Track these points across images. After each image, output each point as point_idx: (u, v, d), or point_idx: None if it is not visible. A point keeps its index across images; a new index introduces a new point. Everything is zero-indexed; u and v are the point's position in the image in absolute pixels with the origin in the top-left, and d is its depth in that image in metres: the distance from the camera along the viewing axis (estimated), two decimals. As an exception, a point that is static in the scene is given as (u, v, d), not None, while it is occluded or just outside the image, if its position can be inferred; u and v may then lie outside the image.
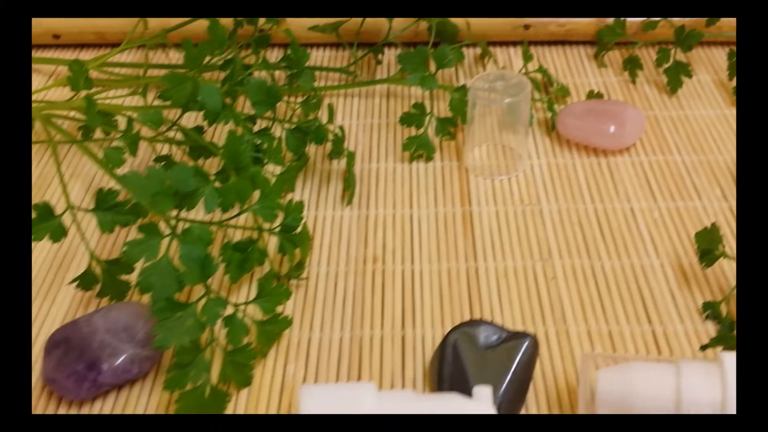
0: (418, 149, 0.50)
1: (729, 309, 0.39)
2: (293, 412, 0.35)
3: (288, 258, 0.41)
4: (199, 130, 0.47)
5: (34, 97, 0.54)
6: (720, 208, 0.46)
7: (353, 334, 0.39)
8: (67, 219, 0.38)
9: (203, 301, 0.35)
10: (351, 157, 0.48)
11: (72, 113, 0.51)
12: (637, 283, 0.41)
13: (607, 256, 0.43)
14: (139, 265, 0.38)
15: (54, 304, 0.41)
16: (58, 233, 0.39)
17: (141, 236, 0.36)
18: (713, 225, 0.39)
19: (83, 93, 0.47)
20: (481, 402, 0.31)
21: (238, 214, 0.40)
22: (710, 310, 0.39)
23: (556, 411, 0.35)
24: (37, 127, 0.53)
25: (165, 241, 0.36)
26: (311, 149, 0.51)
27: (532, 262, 0.43)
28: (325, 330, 0.40)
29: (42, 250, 0.44)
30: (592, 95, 0.54)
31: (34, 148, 0.52)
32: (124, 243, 0.35)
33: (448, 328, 0.39)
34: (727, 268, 0.42)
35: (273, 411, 0.36)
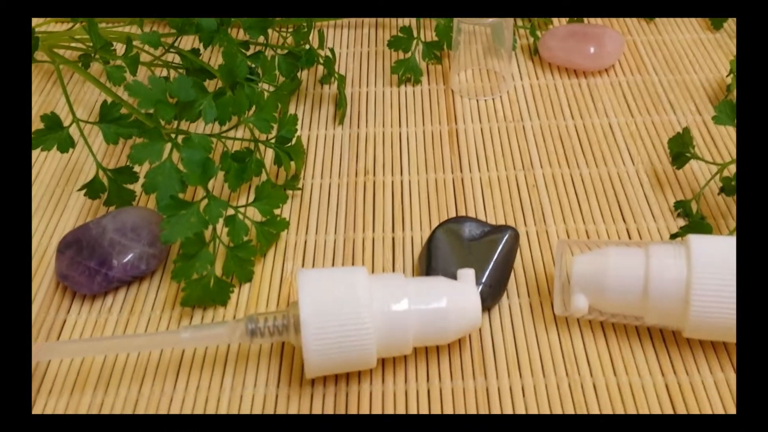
0: (406, 72, 0.52)
1: (698, 206, 0.42)
2: (292, 300, 0.38)
3: (284, 168, 0.44)
4: (195, 53, 0.49)
5: (35, 29, 0.56)
6: (693, 120, 0.48)
7: (347, 236, 0.42)
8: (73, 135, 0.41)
9: (205, 202, 0.38)
10: (341, 79, 0.50)
11: (72, 45, 0.53)
12: (614, 188, 0.44)
13: (585, 165, 0.46)
14: (142, 175, 0.41)
15: (64, 213, 0.44)
16: (66, 144, 0.41)
17: (146, 140, 0.38)
18: (685, 129, 0.42)
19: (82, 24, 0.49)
20: (466, 282, 0.34)
21: (236, 126, 0.42)
22: (681, 208, 0.42)
23: (534, 297, 0.38)
24: (39, 57, 0.54)
25: (167, 151, 0.38)
26: (303, 75, 0.53)
27: (515, 172, 0.45)
28: (320, 234, 0.42)
29: (52, 161, 0.47)
30: (572, 20, 0.56)
31: (38, 77, 0.54)
32: (131, 147, 0.37)
33: (436, 230, 0.42)
34: (696, 169, 0.45)
35: (273, 302, 0.38)
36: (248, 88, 0.44)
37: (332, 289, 0.32)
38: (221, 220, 0.38)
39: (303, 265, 0.41)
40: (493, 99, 0.51)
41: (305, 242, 0.42)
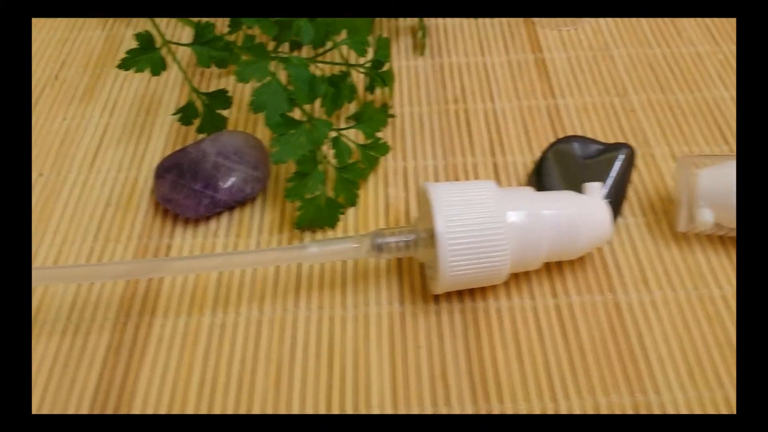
0: (484, 3, 0.51)
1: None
2: (401, 224, 0.37)
3: (381, 92, 0.43)
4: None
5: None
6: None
7: (446, 162, 0.41)
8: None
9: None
10: (421, 9, 0.49)
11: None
12: (712, 113, 0.43)
13: (680, 90, 0.45)
14: (237, 98, 0.39)
15: (150, 141, 0.43)
16: (158, 66, 0.40)
17: (251, 58, 0.37)
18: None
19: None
20: (594, 195, 0.33)
21: (332, 48, 0.41)
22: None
23: (650, 216, 0.37)
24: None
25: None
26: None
27: (609, 98, 0.44)
28: (419, 160, 0.41)
29: (128, 91, 0.45)
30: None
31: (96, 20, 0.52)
32: (237, 64, 0.36)
33: (538, 154, 0.41)
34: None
35: (381, 224, 0.38)
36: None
37: (466, 202, 0.31)
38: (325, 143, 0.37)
39: (406, 191, 0.40)
40: (575, 29, 0.50)
41: (404, 168, 0.41)
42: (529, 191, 0.33)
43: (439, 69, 0.48)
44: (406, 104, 0.45)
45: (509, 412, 0.30)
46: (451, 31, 0.50)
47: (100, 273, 0.32)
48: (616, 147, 0.37)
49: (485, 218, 0.31)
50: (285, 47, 0.45)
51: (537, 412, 0.30)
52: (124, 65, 0.39)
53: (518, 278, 0.35)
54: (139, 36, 0.39)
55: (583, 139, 0.38)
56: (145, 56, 0.39)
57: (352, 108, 0.44)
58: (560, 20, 0.50)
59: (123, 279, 0.35)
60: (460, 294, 0.34)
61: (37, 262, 0.36)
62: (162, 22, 0.51)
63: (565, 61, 0.48)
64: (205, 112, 0.41)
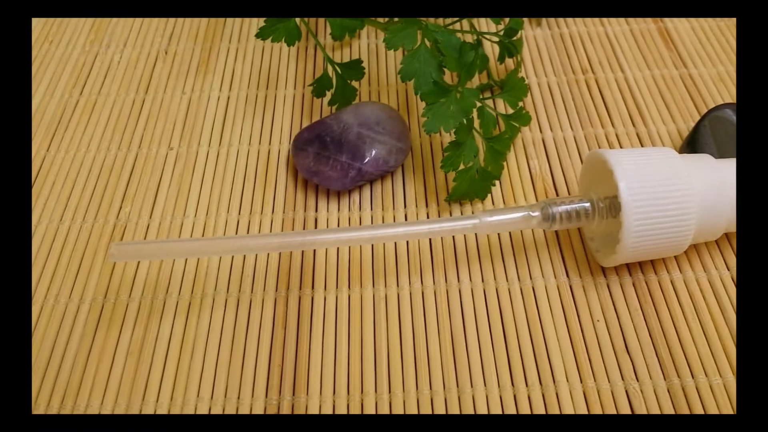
0: (598, -28, 0.50)
1: None
2: (549, 195, 0.36)
3: (515, 60, 0.41)
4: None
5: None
6: None
7: (586, 132, 0.40)
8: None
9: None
10: (535, -22, 0.48)
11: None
12: None
13: (820, 58, 0.43)
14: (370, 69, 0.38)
15: (275, 114, 0.41)
16: (293, 35, 0.38)
17: (400, 24, 0.35)
18: None
19: None
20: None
21: (458, 20, 0.39)
22: None
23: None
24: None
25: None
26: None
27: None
28: (556, 131, 0.40)
29: (245, 65, 0.44)
30: None
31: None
32: (386, 31, 0.35)
33: (682, 125, 0.40)
34: None
35: (530, 198, 0.36)
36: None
37: (649, 169, 0.30)
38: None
39: (549, 162, 0.38)
40: (694, -3, 0.48)
41: (542, 139, 0.40)
42: (709, 158, 0.32)
43: (559, 39, 0.46)
44: (532, 75, 0.44)
45: (702, 384, 0.29)
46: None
47: (255, 245, 0.31)
48: (779, 114, 0.36)
49: (670, 185, 0.30)
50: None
51: (732, 384, 0.29)
52: (262, 34, 0.38)
53: (688, 250, 0.33)
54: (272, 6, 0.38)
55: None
56: (281, 25, 0.38)
57: (477, 79, 0.43)
58: (678, -11, 0.49)
59: (278, 251, 0.34)
60: (629, 267, 0.33)
61: (184, 235, 0.35)
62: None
63: (689, 31, 0.46)
64: (338, 84, 0.40)
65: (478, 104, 0.37)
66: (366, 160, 0.36)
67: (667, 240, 0.30)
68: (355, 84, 0.42)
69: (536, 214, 0.31)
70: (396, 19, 0.36)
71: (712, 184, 0.30)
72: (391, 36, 0.35)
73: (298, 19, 0.39)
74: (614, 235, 0.31)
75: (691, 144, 0.37)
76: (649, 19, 0.47)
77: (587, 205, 0.31)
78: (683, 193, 0.30)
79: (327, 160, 0.36)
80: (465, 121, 0.34)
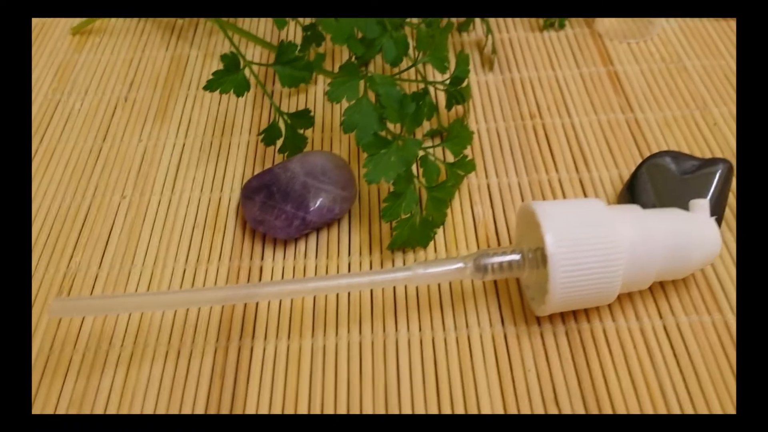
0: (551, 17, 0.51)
1: None
2: (491, 242, 0.37)
3: (455, 109, 0.42)
4: None
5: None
6: None
7: (530, 178, 0.41)
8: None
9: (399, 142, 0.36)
10: (487, 22, 0.49)
11: None
12: (796, 125, 0.43)
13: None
14: (318, 118, 0.39)
15: (228, 162, 0.42)
16: (242, 87, 0.39)
17: (343, 77, 0.36)
18: None
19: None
20: (700, 212, 0.33)
21: (412, 66, 0.40)
22: None
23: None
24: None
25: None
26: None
27: (689, 111, 0.44)
28: (502, 177, 0.41)
29: (201, 112, 0.45)
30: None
31: (160, 31, 0.52)
32: (328, 85, 0.36)
33: (624, 170, 0.40)
34: None
35: (472, 245, 0.37)
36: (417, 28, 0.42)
37: (576, 221, 0.31)
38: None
39: (492, 209, 0.39)
40: (644, 41, 0.49)
41: (488, 185, 0.40)
42: (637, 209, 0.32)
43: (511, 84, 0.47)
44: (482, 120, 0.45)
45: (627, 436, 0.30)
46: (518, 46, 0.50)
47: (198, 299, 0.32)
48: (714, 162, 0.36)
49: (597, 237, 0.30)
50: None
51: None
52: (210, 87, 0.39)
53: (621, 299, 0.34)
54: (224, 57, 0.39)
55: (676, 154, 0.37)
56: (229, 77, 0.39)
57: (426, 126, 0.44)
58: (627, 32, 0.50)
59: (221, 304, 0.34)
60: (563, 315, 0.34)
61: (131, 285, 0.36)
62: (227, 43, 0.51)
63: (639, 74, 0.47)
64: (287, 133, 0.41)
65: (422, 153, 0.38)
66: (311, 209, 0.37)
67: (595, 290, 0.31)
68: (308, 131, 0.43)
69: (469, 265, 0.32)
70: (338, 72, 0.37)
71: (640, 234, 0.31)
72: (333, 89, 0.36)
73: (247, 70, 0.40)
74: (545, 285, 0.32)
75: (630, 190, 0.37)
76: (599, 63, 0.48)
77: (518, 257, 0.32)
78: (610, 244, 0.30)
79: (272, 210, 0.37)
80: (403, 173, 0.35)
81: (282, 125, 0.41)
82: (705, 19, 0.51)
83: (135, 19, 0.54)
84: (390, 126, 0.38)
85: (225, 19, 0.49)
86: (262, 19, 0.53)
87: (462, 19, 0.52)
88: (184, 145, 0.44)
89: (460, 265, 0.32)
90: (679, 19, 0.51)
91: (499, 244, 0.37)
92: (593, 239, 0.30)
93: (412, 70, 0.45)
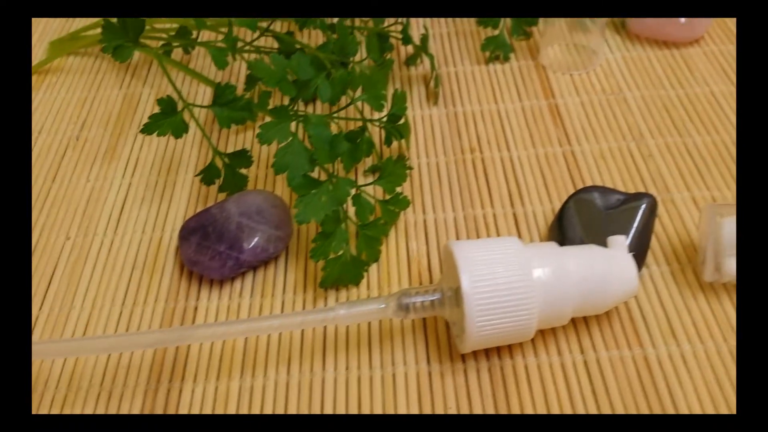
0: (496, 50, 0.52)
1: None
2: (424, 278, 0.38)
3: (402, 143, 0.43)
4: (290, 35, 0.49)
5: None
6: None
7: (466, 213, 0.41)
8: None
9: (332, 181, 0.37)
10: (432, 57, 0.50)
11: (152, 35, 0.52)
12: (731, 155, 0.43)
13: (697, 133, 0.45)
14: (257, 158, 0.40)
15: (172, 201, 0.43)
16: (180, 129, 0.40)
17: (273, 120, 0.37)
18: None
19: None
20: (618, 248, 0.33)
21: (349, 105, 0.41)
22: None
23: (674, 265, 0.37)
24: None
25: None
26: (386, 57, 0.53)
27: (626, 143, 0.45)
28: (438, 212, 0.42)
29: (149, 151, 0.46)
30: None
31: (116, 70, 0.53)
32: (259, 127, 0.37)
33: (557, 204, 0.41)
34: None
35: (404, 281, 0.38)
36: (356, 66, 0.43)
37: (491, 260, 0.31)
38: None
39: (427, 244, 0.40)
40: (586, 73, 0.50)
41: (424, 221, 0.41)
42: (554, 246, 0.33)
43: (453, 118, 0.48)
44: (423, 155, 0.45)
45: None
46: (463, 79, 0.51)
47: (128, 344, 0.33)
48: (638, 197, 0.37)
49: (511, 276, 0.31)
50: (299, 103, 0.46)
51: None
52: (147, 130, 0.40)
53: (544, 334, 0.35)
54: (161, 101, 0.40)
55: (603, 189, 0.38)
56: (167, 120, 0.40)
57: (368, 161, 0.45)
58: (571, 64, 0.51)
59: (151, 348, 0.35)
60: (487, 352, 0.34)
61: (68, 328, 0.37)
62: (178, 80, 0.52)
63: (579, 106, 0.48)
64: (226, 172, 0.42)
65: (355, 192, 0.39)
66: (245, 249, 0.37)
67: (512, 328, 0.32)
68: (251, 169, 0.44)
69: (391, 305, 0.32)
70: (270, 114, 0.38)
71: (555, 273, 0.32)
72: (264, 131, 0.37)
73: (187, 113, 0.41)
74: (463, 323, 0.33)
75: (559, 224, 0.38)
76: (541, 96, 0.49)
77: (438, 296, 0.33)
78: (524, 282, 0.31)
79: (207, 250, 0.38)
80: (332, 213, 0.36)
81: (221, 165, 0.42)
82: (648, 48, 0.52)
83: (92, 58, 0.55)
84: (329, 165, 0.39)
85: (175, 59, 0.50)
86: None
87: (408, 54, 0.53)
88: (130, 184, 0.45)
89: (382, 305, 0.32)
90: (623, 50, 0.52)
91: (431, 281, 0.38)
92: (508, 278, 0.31)
93: (352, 108, 0.46)
